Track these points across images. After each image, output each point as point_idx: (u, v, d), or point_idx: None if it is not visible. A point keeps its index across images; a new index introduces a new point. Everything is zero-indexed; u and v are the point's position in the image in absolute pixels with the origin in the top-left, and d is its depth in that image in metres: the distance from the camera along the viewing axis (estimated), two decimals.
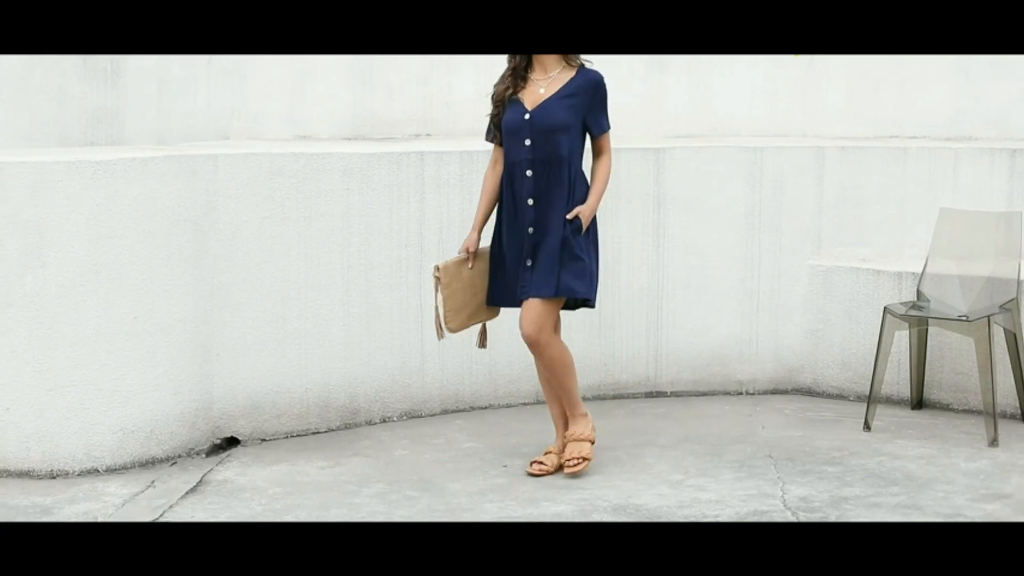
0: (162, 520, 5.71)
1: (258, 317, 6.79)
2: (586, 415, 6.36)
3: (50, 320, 6.24)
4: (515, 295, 6.17)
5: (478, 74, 8.46)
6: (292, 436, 6.95)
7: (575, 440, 6.31)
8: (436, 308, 6.20)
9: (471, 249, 6.27)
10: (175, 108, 8.55)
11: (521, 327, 6.12)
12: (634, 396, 7.72)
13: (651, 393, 7.74)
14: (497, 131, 6.25)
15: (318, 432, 7.02)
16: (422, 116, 8.59)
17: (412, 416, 7.27)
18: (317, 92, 8.62)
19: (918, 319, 7.02)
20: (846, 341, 7.63)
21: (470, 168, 7.25)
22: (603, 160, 6.22)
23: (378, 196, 7.07)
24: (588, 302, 6.24)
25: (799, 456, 6.58)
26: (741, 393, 7.79)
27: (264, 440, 6.87)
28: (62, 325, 6.24)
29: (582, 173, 6.19)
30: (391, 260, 7.13)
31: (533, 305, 6.10)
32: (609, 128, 6.22)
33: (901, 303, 7.17)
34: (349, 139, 8.46)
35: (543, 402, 7.47)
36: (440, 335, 6.26)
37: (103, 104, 8.44)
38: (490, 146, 6.37)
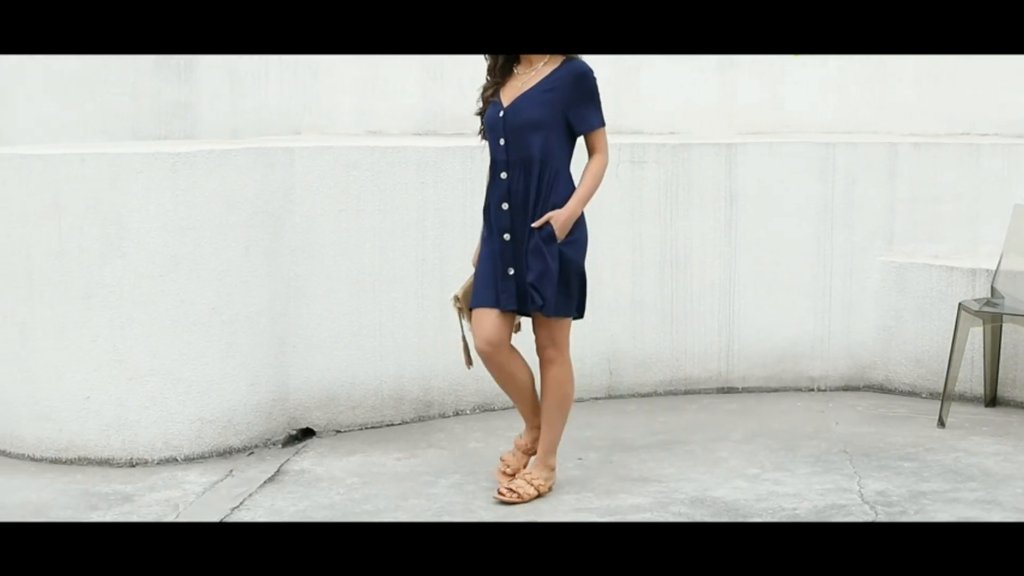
0: (243, 508, 5.76)
1: (333, 309, 6.83)
2: (553, 468, 5.95)
3: (129, 310, 6.29)
4: (493, 301, 5.72)
5: None
6: (367, 428, 6.98)
7: (523, 479, 5.88)
8: (463, 337, 5.92)
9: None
10: (247, 103, 8.61)
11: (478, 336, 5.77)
12: (705, 391, 7.71)
13: (722, 389, 7.73)
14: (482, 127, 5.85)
15: (392, 424, 7.05)
16: None
17: (485, 409, 7.29)
18: (388, 88, 8.66)
19: (992, 316, 6.99)
20: (919, 338, 7.60)
21: None
22: (593, 160, 5.73)
23: (452, 190, 7.09)
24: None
25: (874, 452, 6.56)
26: (813, 390, 7.77)
27: (339, 432, 6.91)
28: (141, 315, 6.30)
29: (565, 176, 5.69)
30: (464, 254, 7.11)
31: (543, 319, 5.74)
32: (600, 125, 5.73)
33: (975, 299, 7.14)
34: (420, 134, 8.50)
35: (614, 396, 7.53)
36: (470, 364, 5.97)
37: (176, 99, 8.52)
38: None
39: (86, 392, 6.32)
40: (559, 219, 5.62)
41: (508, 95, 5.72)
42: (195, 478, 6.18)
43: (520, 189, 5.65)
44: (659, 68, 8.50)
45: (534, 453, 5.98)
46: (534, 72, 5.72)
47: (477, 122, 8.44)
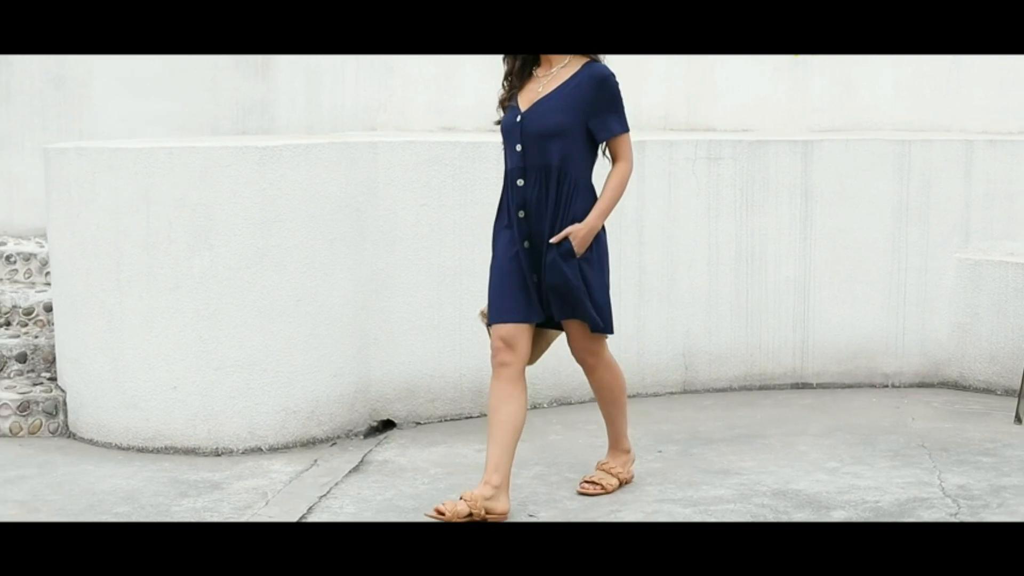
0: (330, 496, 5.83)
1: (415, 302, 6.90)
2: (628, 451, 5.93)
3: (216, 302, 6.38)
4: (513, 315, 5.54)
5: (623, 68, 8.52)
6: (446, 420, 7.05)
7: (602, 470, 5.91)
8: None
9: None
10: (324, 100, 8.70)
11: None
12: (779, 387, 7.75)
13: (796, 384, 7.76)
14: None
15: (471, 417, 7.12)
16: None
17: (561, 403, 7.35)
18: (461, 85, 8.72)
19: None
20: (994, 335, 7.61)
21: None
22: (616, 169, 5.49)
23: None
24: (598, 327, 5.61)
25: (952, 446, 6.58)
26: (887, 386, 7.79)
27: (419, 423, 6.98)
28: (228, 307, 6.39)
29: (585, 186, 5.49)
30: None
31: (574, 326, 5.63)
32: (622, 131, 5.49)
33: None
34: (493, 131, 8.55)
35: (689, 391, 7.58)
36: None
37: (254, 96, 8.62)
38: None
39: (173, 382, 6.42)
40: (578, 235, 5.41)
41: (526, 100, 5.52)
42: (281, 467, 6.26)
43: (535, 198, 5.43)
44: (732, 65, 8.53)
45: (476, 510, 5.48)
46: (552, 75, 5.50)
47: None
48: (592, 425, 6.95)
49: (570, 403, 7.36)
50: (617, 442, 5.93)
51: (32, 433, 6.79)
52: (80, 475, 6.18)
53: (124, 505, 5.74)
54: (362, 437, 6.77)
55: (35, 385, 6.99)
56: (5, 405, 6.79)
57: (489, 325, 5.60)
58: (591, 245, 5.47)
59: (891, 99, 8.56)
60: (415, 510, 5.67)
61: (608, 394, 5.83)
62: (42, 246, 8.10)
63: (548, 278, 5.45)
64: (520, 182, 5.47)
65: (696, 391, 7.63)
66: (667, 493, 5.89)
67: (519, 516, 5.58)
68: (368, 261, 6.75)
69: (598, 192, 5.53)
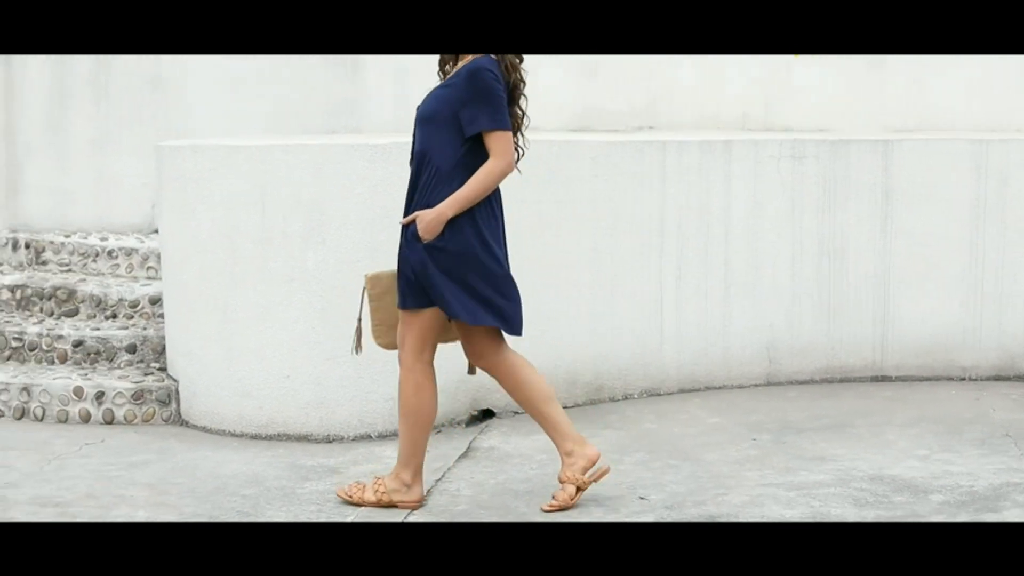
0: (445, 480, 6.07)
1: None
2: (570, 452, 5.74)
3: (328, 294, 6.63)
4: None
5: (701, 69, 8.78)
6: None
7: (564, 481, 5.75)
8: (359, 320, 5.78)
9: None
10: (412, 100, 8.89)
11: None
12: (860, 380, 7.95)
13: (876, 377, 7.96)
14: None
15: (565, 407, 7.27)
16: (645, 109, 8.90)
17: (651, 394, 7.58)
18: (543, 84, 8.90)
19: None
20: None
21: (710, 157, 7.56)
22: (484, 165, 5.44)
23: (622, 183, 7.39)
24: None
25: None
26: (964, 379, 7.99)
27: (516, 413, 7.20)
28: (339, 299, 6.62)
29: (448, 177, 5.46)
30: (634, 245, 7.45)
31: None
32: (492, 127, 5.42)
33: None
34: (574, 130, 8.79)
35: (772, 383, 7.79)
36: (358, 349, 5.81)
37: (344, 95, 8.84)
38: None
39: (286, 371, 6.67)
40: (424, 219, 5.41)
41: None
42: (392, 453, 6.47)
43: (412, 183, 5.54)
44: (809, 66, 8.74)
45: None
46: (450, 69, 5.62)
47: (633, 119, 8.84)
48: (684, 415, 7.19)
49: (659, 394, 7.58)
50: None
51: (146, 421, 7.05)
52: (200, 460, 6.43)
53: (250, 487, 5.99)
54: (464, 425, 7.01)
55: (147, 375, 7.25)
56: (120, 394, 7.05)
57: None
58: (444, 236, 5.44)
59: (964, 99, 8.76)
60: (529, 493, 5.91)
61: (518, 396, 5.76)
62: (142, 241, 8.35)
63: (397, 260, 5.55)
64: (410, 166, 5.60)
65: (779, 383, 7.84)
66: (768, 478, 6.11)
67: (630, 499, 5.81)
68: None
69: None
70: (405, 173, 6.53)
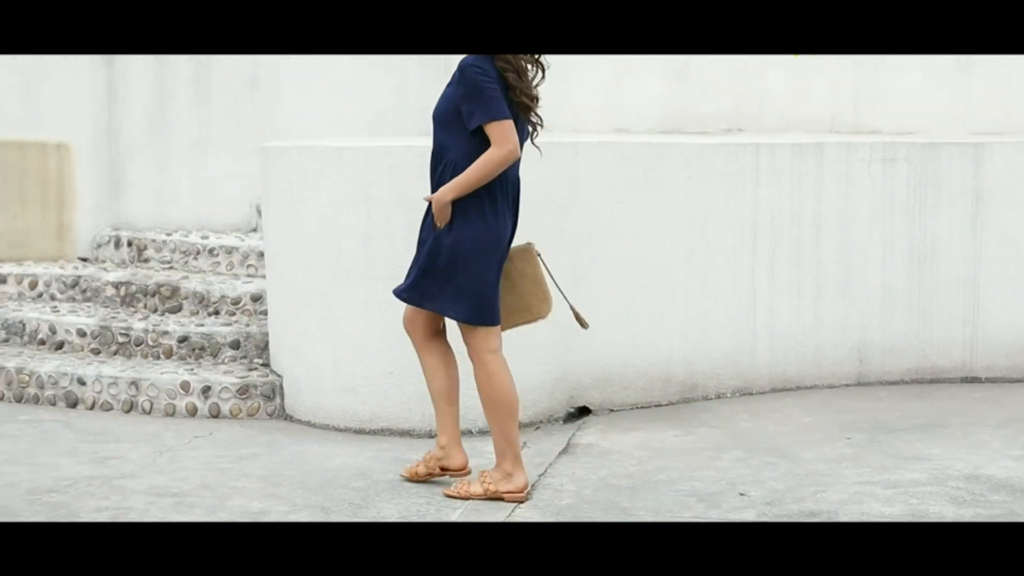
0: (547, 475, 6.21)
1: (610, 295, 7.27)
2: (510, 474, 5.88)
3: None
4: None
5: (790, 71, 8.87)
6: (637, 407, 7.41)
7: (480, 479, 5.94)
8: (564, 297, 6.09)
9: None
10: None
11: None
12: (950, 380, 8.02)
13: (966, 378, 8.03)
14: None
15: (659, 405, 7.47)
16: (733, 112, 9.00)
17: (744, 393, 7.68)
18: (633, 87, 9.07)
19: None
20: None
21: (800, 160, 7.66)
22: (487, 151, 5.64)
23: (716, 185, 7.50)
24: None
25: None
26: None
27: (612, 410, 7.34)
28: None
29: (464, 169, 5.69)
30: (726, 246, 7.56)
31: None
32: (486, 119, 5.63)
33: None
34: (664, 132, 8.90)
35: (863, 384, 7.87)
36: (585, 324, 6.09)
37: (436, 97, 8.95)
38: None
39: (389, 368, 6.83)
40: (432, 198, 5.70)
41: None
42: (492, 448, 6.62)
43: (430, 180, 5.84)
44: (897, 67, 8.81)
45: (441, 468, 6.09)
46: None
47: (720, 122, 8.94)
48: (777, 414, 7.29)
49: (751, 393, 7.68)
50: (498, 456, 5.91)
51: (251, 415, 7.23)
52: (306, 453, 6.59)
53: (359, 480, 6.15)
54: (562, 422, 7.15)
55: (250, 370, 7.42)
56: (225, 388, 7.23)
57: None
58: (455, 223, 5.68)
59: None
60: (631, 488, 6.03)
61: (483, 398, 5.89)
62: (242, 240, 8.54)
63: (423, 257, 5.80)
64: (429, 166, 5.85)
65: (870, 383, 7.92)
66: (865, 476, 6.20)
67: (730, 495, 5.93)
68: (567, 255, 7.11)
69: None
70: (552, 171, 6.72)
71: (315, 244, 6.94)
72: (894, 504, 5.79)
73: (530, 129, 5.90)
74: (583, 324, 6.05)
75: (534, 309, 5.98)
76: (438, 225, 5.68)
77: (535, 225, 6.90)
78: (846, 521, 5.52)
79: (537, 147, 5.99)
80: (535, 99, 5.87)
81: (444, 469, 6.06)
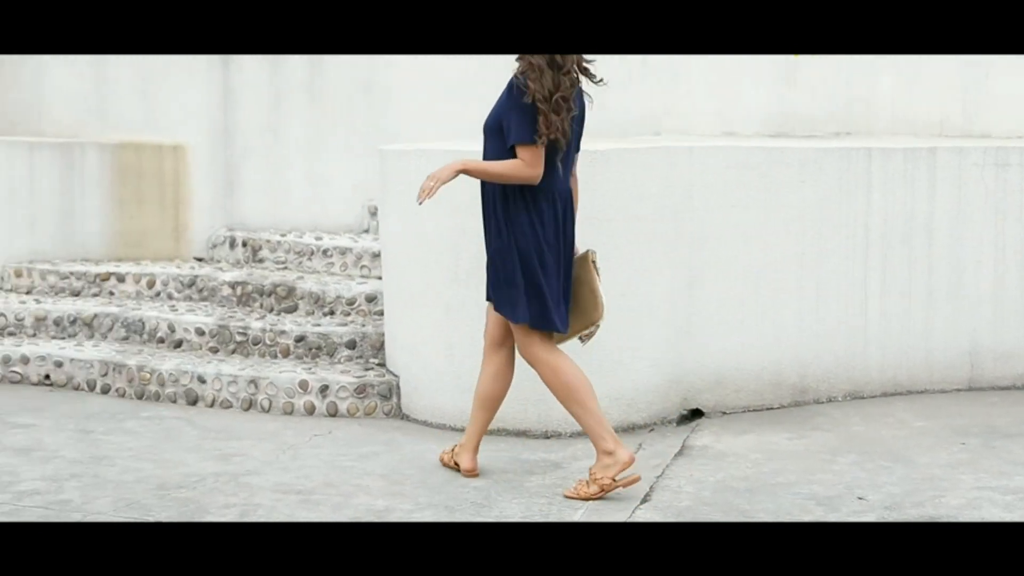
0: (665, 477, 6.27)
1: (723, 298, 7.32)
2: (611, 452, 5.98)
3: None
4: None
5: (899, 74, 8.87)
6: (749, 410, 7.44)
7: (590, 478, 6.03)
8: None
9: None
10: (610, 104, 9.08)
11: None
12: None
13: None
14: None
15: (771, 408, 7.51)
16: (842, 115, 9.00)
17: (855, 397, 7.70)
18: (742, 91, 9.11)
19: None
20: None
21: (914, 165, 7.67)
22: (515, 161, 5.86)
23: (829, 189, 7.53)
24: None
25: None
26: None
27: (724, 413, 7.39)
28: None
29: (513, 195, 5.90)
30: (839, 250, 7.58)
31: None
32: (515, 140, 5.83)
33: None
34: (772, 135, 8.93)
35: (975, 388, 7.87)
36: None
37: None
38: None
39: None
40: (435, 171, 5.90)
41: None
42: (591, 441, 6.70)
43: (482, 192, 6.04)
44: (1007, 70, 8.78)
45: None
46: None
47: (829, 125, 8.95)
48: (890, 418, 7.30)
49: (862, 397, 7.69)
50: (595, 443, 6.05)
51: (367, 414, 7.34)
52: (425, 452, 6.69)
53: (479, 480, 6.24)
54: (675, 424, 7.20)
55: (367, 370, 7.54)
56: (343, 387, 7.35)
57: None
58: (501, 237, 5.93)
59: None
60: (749, 491, 6.08)
61: (558, 394, 6.08)
62: (355, 241, 8.66)
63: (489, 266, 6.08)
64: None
65: (982, 388, 7.91)
66: (982, 482, 6.22)
67: (848, 499, 5.96)
68: (683, 259, 7.18)
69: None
70: (621, 177, 6.84)
71: (433, 246, 7.04)
72: (1014, 510, 5.81)
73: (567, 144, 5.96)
74: (584, 338, 6.16)
75: (588, 315, 6.09)
76: (420, 194, 5.82)
77: (652, 232, 7.01)
78: (970, 521, 5.54)
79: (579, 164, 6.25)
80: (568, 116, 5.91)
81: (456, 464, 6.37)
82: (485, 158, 6.01)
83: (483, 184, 6.01)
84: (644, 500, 5.98)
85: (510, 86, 5.89)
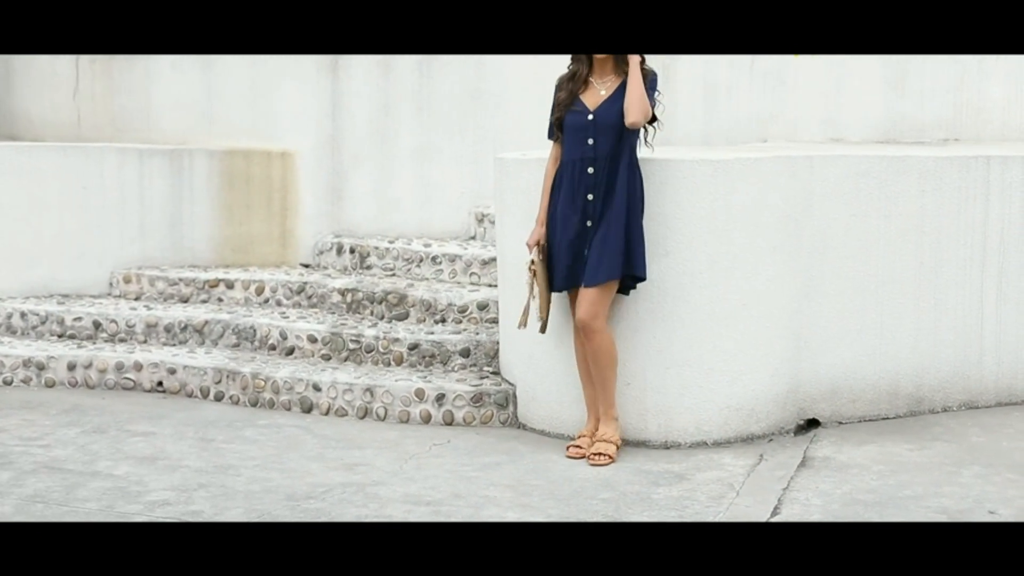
0: (792, 489, 6.25)
1: (842, 308, 7.28)
2: (617, 419, 6.80)
3: (671, 304, 6.84)
4: (573, 281, 6.69)
5: (1010, 80, 8.81)
6: (864, 420, 7.40)
7: (602, 440, 6.73)
8: (529, 302, 6.78)
9: (541, 242, 6.77)
10: (720, 111, 9.12)
11: (577, 314, 6.66)
12: None
13: None
14: (559, 131, 6.74)
15: (887, 418, 7.46)
16: (950, 121, 8.95)
17: (970, 407, 7.64)
18: (850, 96, 9.07)
19: None
20: None
21: None
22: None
23: (948, 198, 7.47)
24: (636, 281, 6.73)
25: None
26: None
27: (840, 423, 7.35)
28: (680, 309, 6.84)
29: (636, 164, 6.66)
30: (957, 259, 7.52)
31: (589, 293, 6.59)
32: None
33: None
34: (880, 142, 8.89)
35: None
36: (522, 324, 6.83)
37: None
38: None
39: (627, 379, 6.90)
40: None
41: (591, 101, 6.68)
42: (731, 460, 6.70)
43: (603, 182, 6.59)
44: None
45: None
46: (608, 82, 6.69)
47: (937, 131, 8.89)
48: (1009, 429, 7.25)
49: (977, 407, 7.64)
50: (609, 407, 6.76)
51: (484, 423, 7.35)
52: (547, 462, 6.70)
53: (606, 491, 6.24)
54: (792, 434, 7.18)
55: (482, 378, 7.55)
56: (459, 396, 7.36)
57: (560, 290, 6.80)
58: (634, 202, 6.71)
59: None
60: (878, 504, 6.05)
61: (605, 356, 6.69)
62: (464, 248, 8.68)
63: (614, 240, 6.62)
64: (591, 170, 6.62)
65: None
66: None
67: (978, 513, 5.92)
68: (802, 269, 7.15)
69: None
70: (745, 187, 6.81)
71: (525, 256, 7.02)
72: None
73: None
74: (522, 323, 6.84)
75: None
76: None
77: (772, 240, 6.97)
78: None
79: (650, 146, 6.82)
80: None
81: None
82: (619, 150, 6.64)
83: (616, 163, 6.64)
84: (774, 513, 5.95)
85: (644, 74, 6.62)
